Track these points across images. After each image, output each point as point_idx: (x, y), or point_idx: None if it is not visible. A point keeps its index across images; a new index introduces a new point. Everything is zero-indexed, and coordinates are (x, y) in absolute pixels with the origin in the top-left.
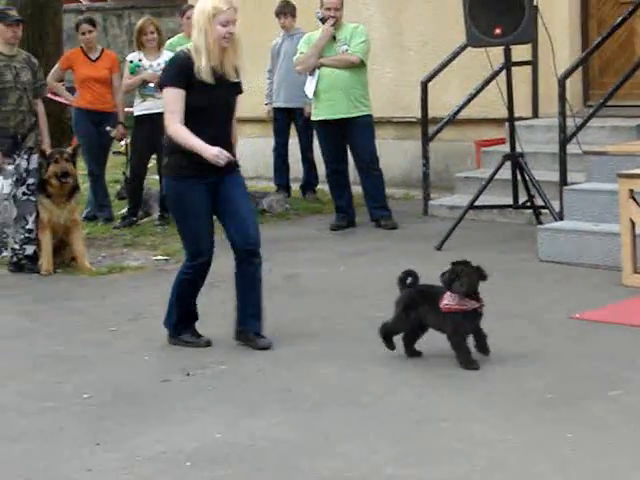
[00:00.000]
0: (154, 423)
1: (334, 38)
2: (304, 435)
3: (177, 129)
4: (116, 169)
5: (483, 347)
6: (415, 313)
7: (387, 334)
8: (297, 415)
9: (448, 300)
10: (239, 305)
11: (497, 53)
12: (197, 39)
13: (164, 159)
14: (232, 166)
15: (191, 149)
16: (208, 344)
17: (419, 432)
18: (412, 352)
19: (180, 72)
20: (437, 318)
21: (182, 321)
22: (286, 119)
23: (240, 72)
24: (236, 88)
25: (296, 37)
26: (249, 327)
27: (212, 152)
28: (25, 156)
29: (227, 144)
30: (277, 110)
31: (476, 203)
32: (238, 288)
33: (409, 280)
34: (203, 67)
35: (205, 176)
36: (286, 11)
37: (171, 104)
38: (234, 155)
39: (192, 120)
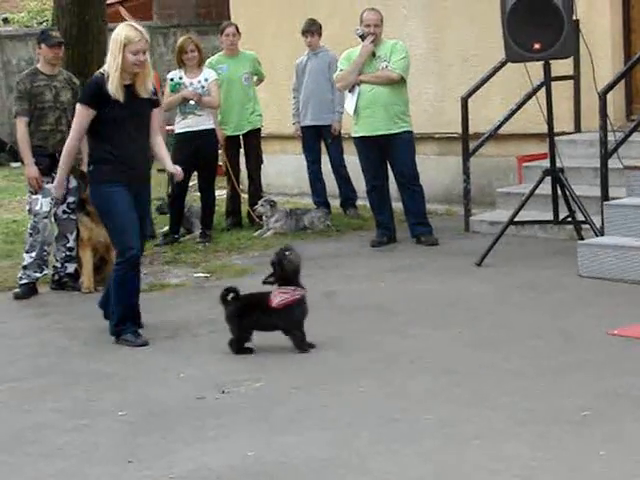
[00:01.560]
0: (187, 440)
1: (374, 55)
2: (336, 452)
3: (71, 147)
4: (159, 187)
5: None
6: (249, 320)
7: (239, 350)
8: (330, 432)
9: (280, 297)
10: None
11: (540, 68)
12: (109, 62)
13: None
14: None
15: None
16: (145, 344)
17: (451, 449)
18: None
19: (93, 93)
20: (271, 318)
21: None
22: (315, 137)
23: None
24: (149, 103)
25: (321, 55)
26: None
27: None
28: None
29: (144, 154)
30: (305, 128)
31: (517, 218)
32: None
33: (230, 296)
34: (112, 87)
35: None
36: (313, 29)
37: (77, 124)
38: (149, 168)
39: (109, 131)
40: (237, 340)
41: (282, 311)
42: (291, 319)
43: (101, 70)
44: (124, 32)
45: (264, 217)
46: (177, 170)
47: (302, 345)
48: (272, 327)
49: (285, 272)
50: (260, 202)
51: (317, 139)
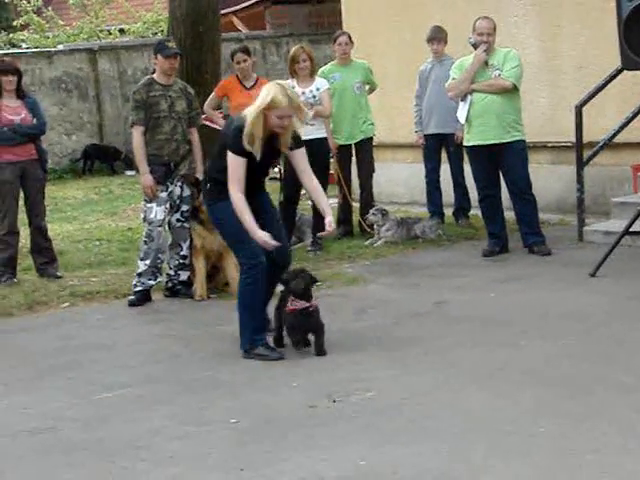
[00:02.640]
0: (298, 449)
1: (486, 63)
2: (449, 465)
3: (239, 198)
4: (272, 195)
5: (316, 345)
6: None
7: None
8: (441, 444)
9: (289, 303)
10: None
11: None
12: (253, 120)
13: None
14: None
15: (241, 222)
16: (280, 358)
17: (564, 464)
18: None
19: (240, 142)
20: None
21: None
22: (437, 145)
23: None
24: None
25: (445, 63)
26: None
27: (260, 236)
28: (178, 183)
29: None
30: (428, 136)
31: (633, 228)
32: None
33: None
34: (249, 145)
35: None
36: (440, 37)
37: (235, 172)
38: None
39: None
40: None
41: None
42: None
43: (243, 114)
44: (272, 93)
45: (375, 226)
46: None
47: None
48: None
49: (292, 291)
50: (371, 211)
51: (439, 148)
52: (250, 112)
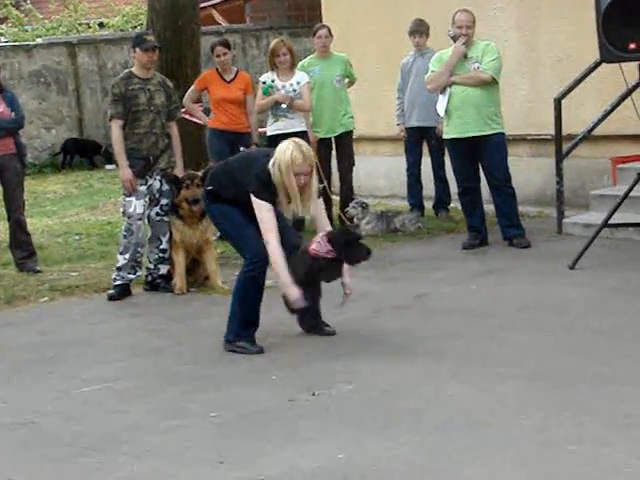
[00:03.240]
0: (278, 442)
1: (465, 56)
2: (428, 457)
3: (275, 248)
4: None
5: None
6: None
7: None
8: (422, 437)
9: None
10: None
11: (635, 68)
12: (278, 178)
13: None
14: None
15: (276, 273)
16: (261, 351)
17: (545, 456)
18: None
19: (271, 189)
20: None
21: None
22: (418, 138)
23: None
24: None
25: (427, 56)
26: None
27: (293, 294)
28: (158, 177)
29: None
30: (410, 129)
31: (611, 221)
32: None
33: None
34: (289, 207)
35: None
36: (421, 30)
37: (268, 221)
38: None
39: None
40: None
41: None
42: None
43: (267, 169)
44: (290, 153)
45: (355, 219)
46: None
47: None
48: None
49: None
50: (351, 204)
51: (420, 141)
52: (278, 170)
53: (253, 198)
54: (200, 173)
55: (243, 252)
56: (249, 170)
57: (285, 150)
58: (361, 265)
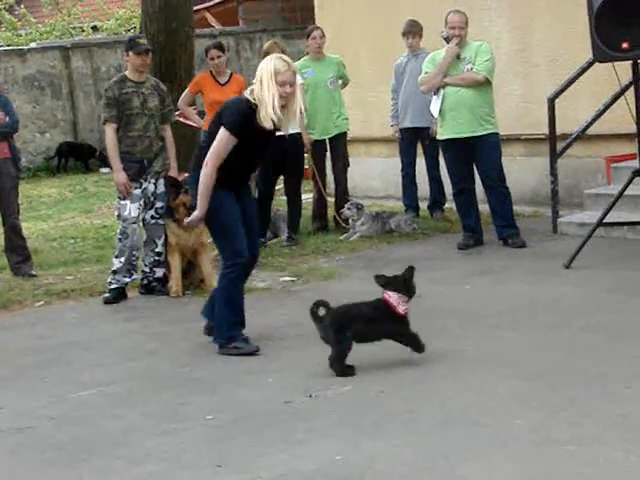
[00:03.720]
0: (275, 444)
1: (459, 57)
2: (424, 457)
3: (210, 175)
4: None
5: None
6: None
7: (343, 370)
8: (418, 437)
9: (404, 305)
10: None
11: (628, 67)
12: (259, 92)
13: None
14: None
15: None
16: (257, 350)
17: (541, 455)
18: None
19: (242, 122)
20: (393, 326)
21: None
22: (413, 139)
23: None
24: (273, 136)
25: (421, 57)
26: None
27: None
28: (152, 180)
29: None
30: (404, 130)
31: (606, 220)
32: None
33: (321, 311)
34: (265, 116)
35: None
36: (414, 30)
37: (220, 148)
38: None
39: (235, 157)
40: (340, 357)
41: (405, 317)
42: (408, 324)
43: (243, 98)
44: (272, 62)
45: (350, 220)
46: None
47: (420, 344)
48: (390, 335)
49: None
50: (347, 205)
51: (415, 141)
52: (260, 85)
53: (221, 129)
54: None
55: (223, 251)
56: (226, 112)
57: (267, 62)
58: (357, 266)
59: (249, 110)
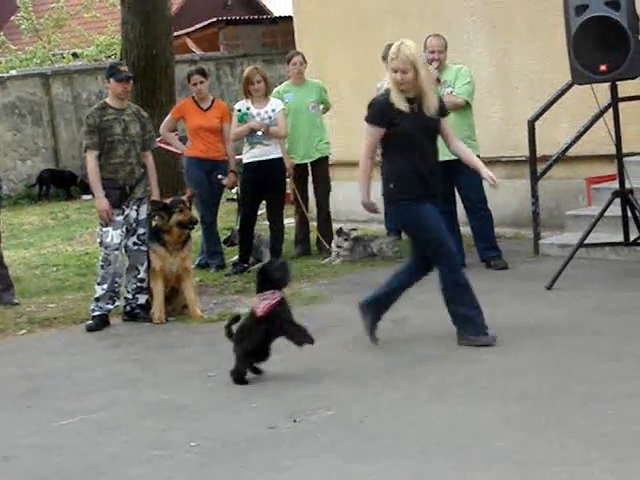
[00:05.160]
0: (260, 471)
1: (438, 80)
2: None
3: (364, 163)
4: (229, 216)
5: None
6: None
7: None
8: (403, 461)
9: (262, 303)
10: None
11: (607, 88)
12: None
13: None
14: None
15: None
16: (492, 341)
17: (526, 476)
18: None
19: (377, 111)
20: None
21: None
22: None
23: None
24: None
25: None
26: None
27: (366, 202)
28: (134, 207)
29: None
30: None
31: (587, 241)
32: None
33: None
34: (394, 100)
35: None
36: None
37: (367, 143)
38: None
39: (399, 146)
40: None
41: (263, 318)
42: (280, 319)
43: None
44: (383, 51)
45: (334, 244)
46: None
47: (302, 337)
48: (268, 337)
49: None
50: (342, 236)
51: None
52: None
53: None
54: (185, 198)
55: (438, 259)
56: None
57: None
58: (340, 290)
59: (386, 100)
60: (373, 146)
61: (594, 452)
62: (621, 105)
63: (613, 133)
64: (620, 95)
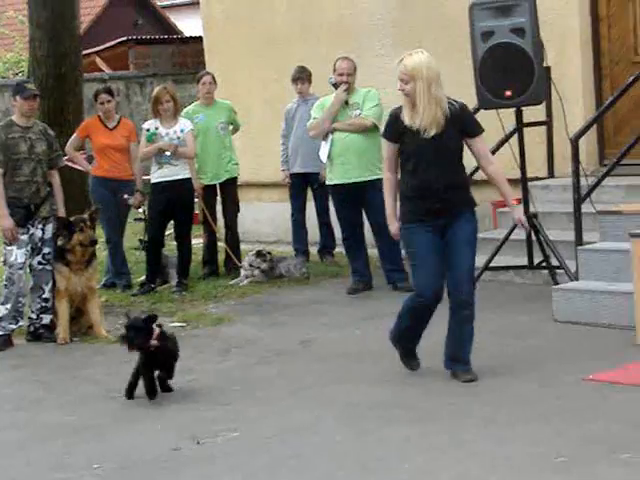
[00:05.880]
0: None
1: (347, 103)
2: None
3: (386, 179)
4: (136, 236)
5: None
6: None
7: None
8: None
9: None
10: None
11: (512, 114)
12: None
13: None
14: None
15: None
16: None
17: None
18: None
19: (387, 125)
20: None
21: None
22: (302, 184)
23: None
24: (442, 136)
25: (310, 102)
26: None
27: (392, 227)
28: (40, 226)
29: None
30: (294, 175)
31: (493, 264)
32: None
33: None
34: (404, 113)
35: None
36: (303, 76)
37: (385, 157)
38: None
39: (405, 165)
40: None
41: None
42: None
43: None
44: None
45: (246, 263)
46: None
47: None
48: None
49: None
50: (257, 259)
51: (304, 186)
52: None
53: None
54: (86, 216)
55: (414, 282)
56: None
57: None
58: (247, 311)
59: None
60: (390, 161)
61: (494, 474)
62: (526, 130)
63: (518, 158)
64: (526, 120)
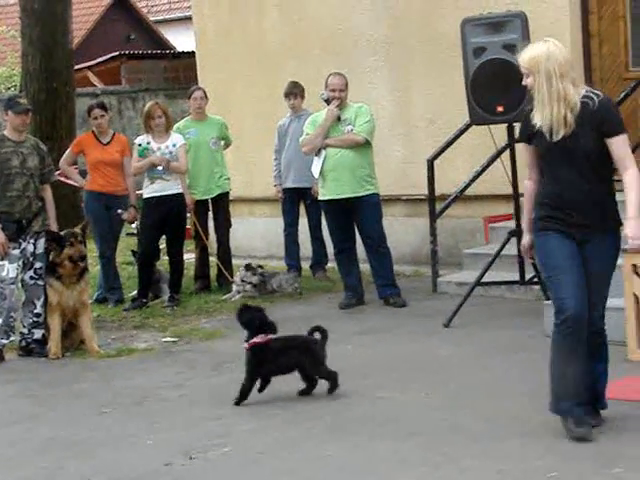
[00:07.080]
0: None
1: (339, 118)
2: None
3: (525, 185)
4: (129, 251)
5: None
6: None
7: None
8: None
9: None
10: None
11: (504, 129)
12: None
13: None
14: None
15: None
16: (585, 436)
17: None
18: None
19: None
20: None
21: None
22: (295, 199)
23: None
24: (573, 137)
25: (303, 117)
26: None
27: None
28: (31, 240)
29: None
30: (286, 190)
31: (484, 279)
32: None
33: None
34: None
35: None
36: (295, 92)
37: (527, 160)
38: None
39: (541, 168)
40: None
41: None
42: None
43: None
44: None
45: (238, 279)
46: None
47: None
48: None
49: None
50: (248, 273)
51: (297, 201)
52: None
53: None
54: (79, 230)
55: (552, 296)
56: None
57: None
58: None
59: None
60: (529, 165)
61: None
62: (518, 146)
63: (510, 173)
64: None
